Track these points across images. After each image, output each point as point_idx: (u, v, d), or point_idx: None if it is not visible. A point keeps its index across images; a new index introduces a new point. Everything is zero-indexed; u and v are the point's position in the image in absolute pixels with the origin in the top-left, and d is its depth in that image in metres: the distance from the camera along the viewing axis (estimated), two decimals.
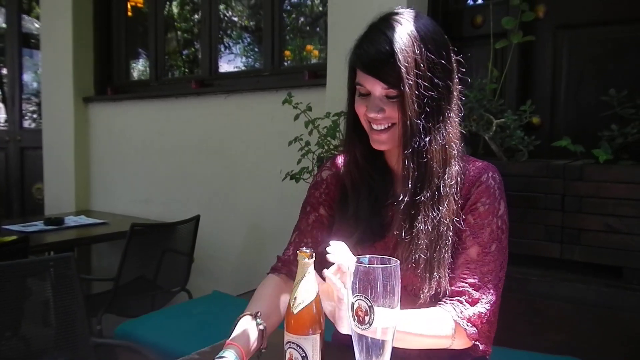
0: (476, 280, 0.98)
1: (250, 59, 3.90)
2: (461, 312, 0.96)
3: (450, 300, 0.98)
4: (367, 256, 0.85)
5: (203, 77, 3.37)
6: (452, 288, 0.98)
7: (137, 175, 3.61)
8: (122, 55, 3.94)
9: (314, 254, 0.83)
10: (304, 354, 0.82)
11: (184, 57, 4.31)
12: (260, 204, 2.96)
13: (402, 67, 0.93)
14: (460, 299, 0.97)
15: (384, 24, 0.98)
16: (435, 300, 1.00)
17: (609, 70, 1.93)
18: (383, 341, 0.80)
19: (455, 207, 1.01)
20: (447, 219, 0.99)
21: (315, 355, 0.83)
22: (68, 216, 3.33)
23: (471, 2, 2.42)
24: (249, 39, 4.00)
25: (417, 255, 0.97)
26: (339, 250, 0.85)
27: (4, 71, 4.89)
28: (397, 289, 0.80)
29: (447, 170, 0.99)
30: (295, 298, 0.82)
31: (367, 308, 0.79)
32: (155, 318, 2.21)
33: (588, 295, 1.47)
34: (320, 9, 3.32)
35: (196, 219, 2.83)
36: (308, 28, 3.61)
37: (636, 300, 1.41)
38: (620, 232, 1.47)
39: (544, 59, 2.07)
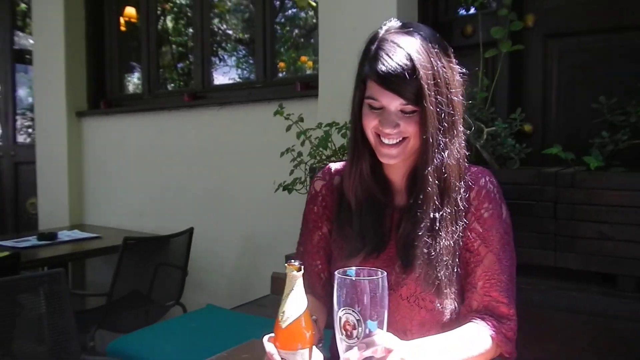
0: (499, 292, 0.98)
1: (245, 71, 3.91)
2: (496, 328, 0.97)
3: (481, 316, 0.98)
4: (354, 268, 0.84)
5: (196, 90, 3.37)
6: (479, 303, 0.98)
7: (130, 188, 3.60)
8: (115, 70, 3.94)
9: (302, 267, 0.81)
10: None
11: (179, 70, 4.32)
12: (254, 215, 2.94)
13: (424, 83, 0.91)
14: (491, 313, 0.98)
15: (399, 38, 0.94)
16: (454, 313, 1.01)
17: (599, 78, 1.93)
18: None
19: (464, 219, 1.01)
20: (462, 233, 0.99)
21: None
22: (62, 231, 3.32)
23: (464, 12, 2.44)
24: (243, 51, 4.02)
25: (442, 272, 0.96)
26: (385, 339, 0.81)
27: None
28: (385, 302, 0.79)
29: (461, 183, 1.00)
30: (284, 312, 0.81)
31: (355, 322, 0.78)
32: (148, 334, 2.18)
33: (583, 304, 1.46)
34: (314, 20, 3.34)
35: (189, 232, 2.81)
36: (302, 40, 3.63)
37: (631, 308, 1.40)
38: (613, 239, 1.46)
39: (534, 67, 2.08)
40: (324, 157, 2.08)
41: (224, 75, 3.79)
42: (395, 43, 0.93)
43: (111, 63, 3.94)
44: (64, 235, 3.20)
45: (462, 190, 1.00)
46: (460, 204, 0.99)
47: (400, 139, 0.97)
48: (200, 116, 3.21)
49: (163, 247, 2.77)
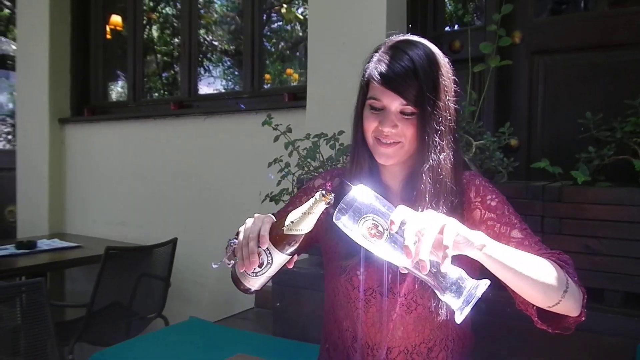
0: (539, 247, 1.02)
1: (230, 82, 3.90)
2: (556, 257, 0.98)
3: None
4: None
5: (182, 99, 3.34)
6: None
7: (113, 197, 3.54)
8: (99, 77, 3.90)
9: (331, 202, 0.85)
10: (270, 261, 0.91)
11: (163, 79, 4.30)
12: (239, 226, 2.91)
13: (424, 85, 0.98)
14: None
15: (403, 45, 1.02)
16: (450, 314, 1.01)
17: (584, 94, 1.96)
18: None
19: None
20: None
21: (276, 268, 0.93)
22: (41, 239, 3.24)
23: (448, 29, 2.46)
24: (229, 63, 4.01)
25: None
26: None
27: None
28: (382, 198, 0.81)
29: (458, 187, 1.05)
30: (292, 222, 0.87)
31: (374, 220, 0.79)
32: (129, 347, 2.13)
33: None
34: (300, 34, 3.35)
35: (173, 242, 2.77)
36: (288, 52, 3.64)
37: (617, 323, 1.41)
38: (600, 253, 1.47)
39: (521, 82, 2.11)
40: (311, 168, 2.07)
41: (208, 86, 3.78)
42: (399, 49, 1.01)
43: (96, 70, 3.90)
44: (44, 244, 3.12)
45: (457, 194, 1.05)
46: (456, 206, 1.04)
47: (397, 141, 1.02)
48: (186, 125, 3.18)
49: (146, 257, 2.72)
